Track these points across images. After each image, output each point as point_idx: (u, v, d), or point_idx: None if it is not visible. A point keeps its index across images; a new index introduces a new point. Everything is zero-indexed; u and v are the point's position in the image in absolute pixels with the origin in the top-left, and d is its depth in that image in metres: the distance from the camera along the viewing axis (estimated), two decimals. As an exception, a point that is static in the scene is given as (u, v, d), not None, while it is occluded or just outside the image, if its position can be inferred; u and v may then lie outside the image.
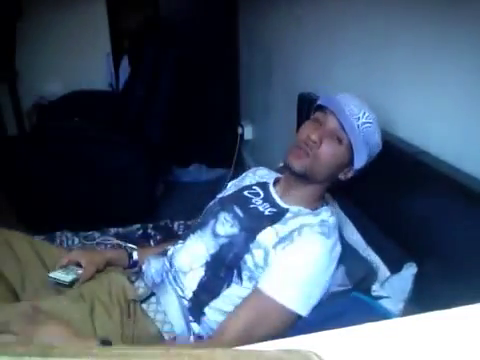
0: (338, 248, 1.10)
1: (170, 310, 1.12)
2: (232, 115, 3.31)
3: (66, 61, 3.59)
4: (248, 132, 3.16)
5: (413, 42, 1.24)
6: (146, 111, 2.55)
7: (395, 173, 1.22)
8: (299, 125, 1.34)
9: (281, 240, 1.08)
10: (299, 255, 1.05)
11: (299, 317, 1.03)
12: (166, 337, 1.10)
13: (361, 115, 1.10)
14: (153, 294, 1.16)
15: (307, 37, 2.01)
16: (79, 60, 3.58)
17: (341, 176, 1.15)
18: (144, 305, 1.14)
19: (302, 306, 1.02)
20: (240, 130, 3.15)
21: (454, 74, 1.08)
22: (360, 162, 1.12)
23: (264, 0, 2.63)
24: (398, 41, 1.30)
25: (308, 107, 1.22)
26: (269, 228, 1.10)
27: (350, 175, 1.16)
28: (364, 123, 1.09)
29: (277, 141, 2.52)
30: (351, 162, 1.13)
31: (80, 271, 1.26)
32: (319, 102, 1.17)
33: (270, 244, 1.08)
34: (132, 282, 1.20)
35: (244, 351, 0.46)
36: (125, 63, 3.34)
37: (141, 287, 1.18)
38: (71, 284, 1.22)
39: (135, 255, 1.36)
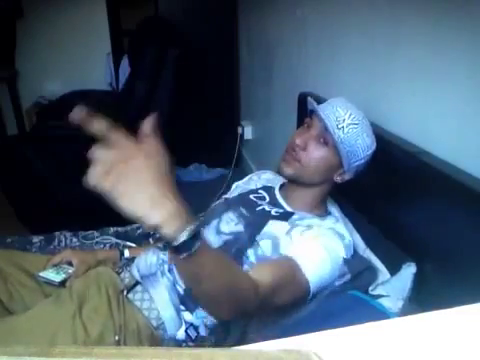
0: (351, 252, 1.11)
1: (159, 299, 1.14)
2: (232, 115, 3.32)
3: (66, 61, 3.60)
4: (248, 132, 3.16)
5: (414, 42, 1.24)
6: (146, 111, 2.55)
7: (395, 173, 1.22)
8: (299, 125, 1.35)
9: (294, 227, 1.09)
10: (318, 241, 1.06)
11: (306, 296, 1.02)
12: (154, 324, 1.13)
13: (346, 117, 1.11)
14: (138, 283, 1.19)
15: (307, 37, 2.01)
16: (79, 60, 3.58)
17: (337, 178, 1.16)
18: (130, 295, 1.17)
19: (314, 281, 1.01)
20: (240, 130, 3.15)
21: (455, 74, 1.08)
22: (348, 163, 1.13)
23: (264, 0, 2.63)
24: (399, 41, 1.30)
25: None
26: (278, 221, 1.12)
27: (347, 177, 1.16)
28: (349, 124, 1.10)
29: (277, 141, 2.52)
30: (341, 164, 1.14)
31: (71, 270, 1.28)
32: (308, 107, 1.19)
33: (282, 232, 1.09)
34: (118, 274, 1.23)
35: (244, 351, 0.46)
36: (125, 63, 3.34)
37: (126, 278, 1.21)
38: (61, 284, 1.24)
39: (126, 253, 1.39)
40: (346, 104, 1.15)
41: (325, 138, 1.11)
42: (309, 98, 1.19)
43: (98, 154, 0.63)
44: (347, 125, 1.10)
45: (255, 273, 0.95)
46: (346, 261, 1.10)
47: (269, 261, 1.05)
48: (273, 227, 1.11)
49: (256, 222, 1.14)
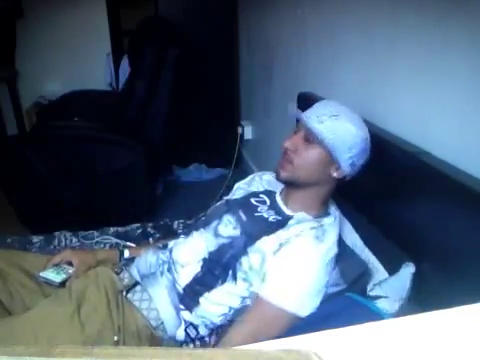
0: (332, 253, 1.10)
1: (158, 298, 1.15)
2: (232, 115, 3.32)
3: (66, 61, 3.60)
4: (248, 132, 3.16)
5: (413, 41, 1.24)
6: (146, 111, 2.55)
7: (395, 173, 1.22)
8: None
9: (281, 246, 1.10)
10: (292, 258, 1.08)
11: (300, 320, 1.04)
12: (153, 324, 1.14)
13: (326, 111, 1.14)
14: (137, 283, 1.20)
15: (307, 36, 2.01)
16: (79, 60, 3.59)
17: (333, 174, 1.16)
18: (129, 295, 1.18)
19: (300, 307, 1.04)
20: (240, 130, 3.15)
21: (454, 74, 1.08)
22: (338, 155, 1.13)
23: (264, 0, 2.63)
24: (398, 40, 1.30)
25: (308, 107, 1.23)
26: (272, 235, 1.12)
27: (346, 171, 1.15)
28: (330, 117, 1.13)
29: (277, 141, 2.51)
30: (332, 157, 1.15)
31: (71, 270, 1.29)
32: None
33: (270, 251, 1.10)
34: (117, 274, 1.24)
35: (244, 351, 0.46)
36: (125, 63, 3.34)
37: (126, 278, 1.22)
38: (61, 284, 1.24)
39: (126, 253, 1.39)
40: (329, 102, 1.19)
41: (311, 136, 1.14)
42: (289, 104, 1.20)
43: None
44: (327, 118, 1.12)
45: (228, 338, 1.04)
46: (336, 259, 1.11)
47: (243, 319, 1.07)
48: (264, 244, 1.12)
49: (251, 232, 1.15)
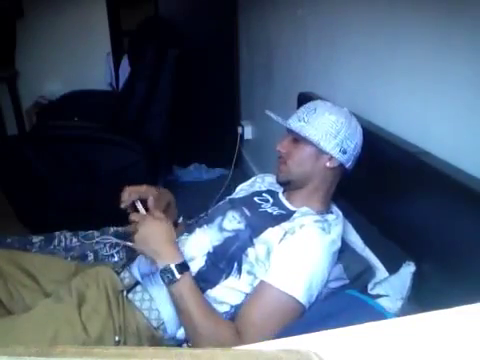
0: (336, 246, 1.13)
1: (159, 298, 1.15)
2: (232, 115, 3.31)
3: (66, 61, 3.60)
4: (248, 132, 3.16)
5: (413, 41, 1.24)
6: (146, 111, 2.55)
7: (395, 173, 1.22)
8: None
9: (285, 235, 1.12)
10: (298, 246, 1.09)
11: (301, 309, 1.05)
12: (154, 324, 1.14)
13: (304, 110, 1.22)
14: (138, 283, 1.20)
15: (307, 37, 2.01)
16: (79, 60, 3.59)
17: (327, 164, 1.19)
18: (130, 295, 1.18)
19: (302, 294, 1.04)
20: (240, 130, 3.15)
21: (455, 74, 1.08)
22: (324, 145, 1.16)
23: (264, 0, 2.63)
24: (398, 40, 1.30)
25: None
26: (277, 227, 1.15)
27: (339, 159, 1.18)
28: (309, 113, 1.20)
29: (277, 141, 2.51)
30: (321, 149, 1.18)
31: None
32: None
33: (276, 241, 1.12)
34: (118, 273, 1.24)
35: (244, 351, 0.46)
36: (125, 63, 3.34)
37: (126, 277, 1.22)
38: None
39: (180, 218, 1.42)
40: (309, 103, 1.25)
41: (297, 136, 1.20)
42: (267, 111, 1.30)
43: (133, 218, 1.18)
44: (306, 115, 1.20)
45: (240, 321, 1.05)
46: (338, 256, 1.12)
47: (253, 305, 1.07)
48: (270, 234, 1.14)
49: (256, 225, 1.17)
